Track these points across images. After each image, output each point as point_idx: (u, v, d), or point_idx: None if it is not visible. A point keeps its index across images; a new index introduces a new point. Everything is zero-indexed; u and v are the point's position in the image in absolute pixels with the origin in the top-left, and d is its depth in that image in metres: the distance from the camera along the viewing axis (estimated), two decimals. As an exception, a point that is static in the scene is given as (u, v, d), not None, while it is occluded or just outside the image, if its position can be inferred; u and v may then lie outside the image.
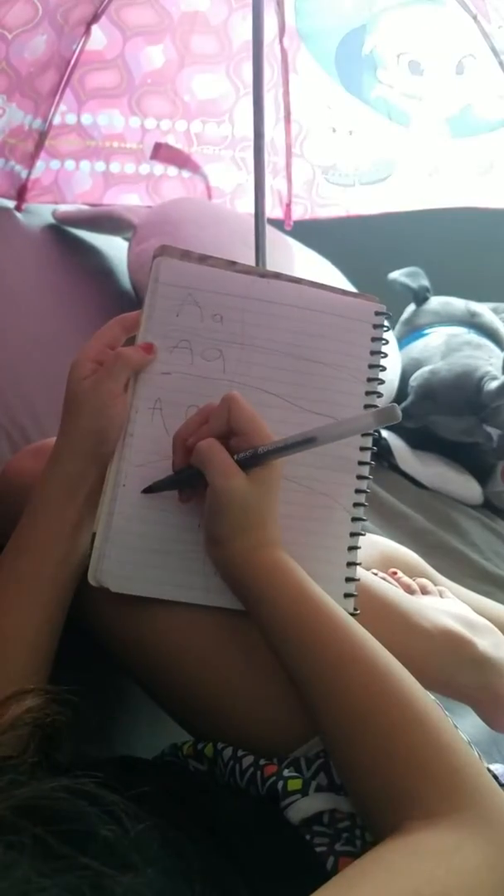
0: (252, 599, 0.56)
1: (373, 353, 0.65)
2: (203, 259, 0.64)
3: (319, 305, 0.65)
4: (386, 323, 0.66)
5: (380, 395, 0.65)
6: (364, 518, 0.64)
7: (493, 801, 0.46)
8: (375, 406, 0.64)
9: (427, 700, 0.50)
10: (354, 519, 0.64)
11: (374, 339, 0.65)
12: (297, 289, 0.65)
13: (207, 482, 0.56)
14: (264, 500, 0.57)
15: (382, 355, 0.66)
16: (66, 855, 0.34)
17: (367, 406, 0.64)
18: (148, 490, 0.61)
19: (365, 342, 0.65)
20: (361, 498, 0.64)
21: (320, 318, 0.64)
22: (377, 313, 0.66)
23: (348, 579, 0.63)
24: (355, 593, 0.63)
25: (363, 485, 0.64)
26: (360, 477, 0.64)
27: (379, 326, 0.66)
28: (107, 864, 0.35)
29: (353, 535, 0.64)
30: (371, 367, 0.65)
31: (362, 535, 0.64)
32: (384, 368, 0.66)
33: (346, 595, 0.62)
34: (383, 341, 0.66)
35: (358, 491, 0.64)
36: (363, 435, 0.64)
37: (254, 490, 0.56)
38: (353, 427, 0.55)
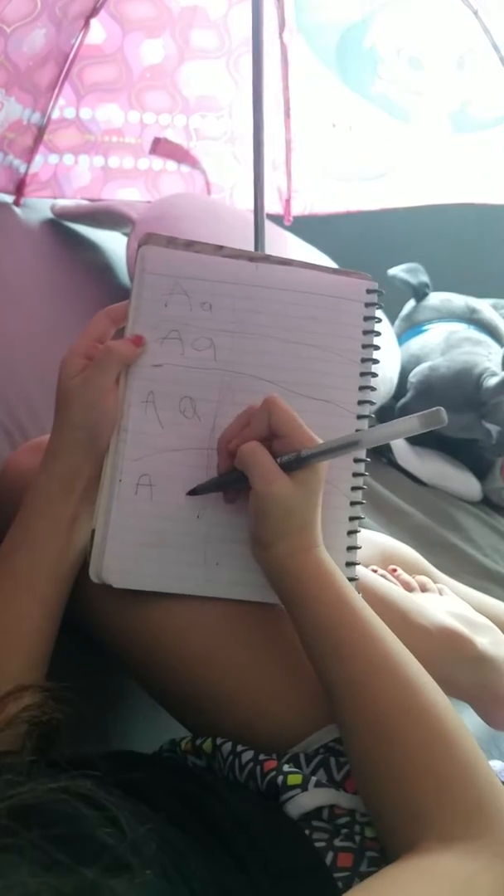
0: (292, 601, 0.56)
1: (366, 332, 0.64)
2: (189, 245, 0.62)
3: (310, 286, 0.63)
4: (378, 300, 0.65)
5: (374, 375, 0.64)
6: (363, 501, 0.64)
7: None
8: (371, 388, 0.64)
9: (455, 719, 0.50)
10: (353, 503, 0.63)
11: (366, 319, 0.64)
12: (286, 271, 0.63)
13: (251, 485, 0.56)
14: (308, 503, 0.56)
15: (376, 334, 0.64)
16: (62, 861, 0.34)
17: (362, 388, 0.64)
18: (193, 492, 0.61)
19: (357, 322, 0.64)
20: (359, 482, 0.63)
21: (311, 299, 0.63)
22: (369, 291, 0.64)
23: (349, 564, 0.63)
24: (357, 577, 0.63)
25: (360, 468, 0.63)
26: (357, 460, 0.63)
27: (371, 305, 0.64)
28: (104, 868, 0.34)
29: (353, 519, 0.63)
30: (365, 347, 0.64)
31: (361, 518, 0.64)
32: (378, 347, 0.64)
33: (348, 580, 0.62)
34: (376, 320, 0.65)
35: (356, 475, 0.63)
36: (358, 417, 0.63)
37: (297, 493, 0.55)
38: (398, 430, 0.54)
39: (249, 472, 0.56)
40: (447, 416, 0.52)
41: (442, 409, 0.50)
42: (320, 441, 0.56)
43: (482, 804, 0.46)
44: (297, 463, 0.56)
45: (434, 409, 0.50)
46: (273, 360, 0.63)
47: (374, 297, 0.64)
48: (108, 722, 0.74)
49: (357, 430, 0.63)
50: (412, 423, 0.51)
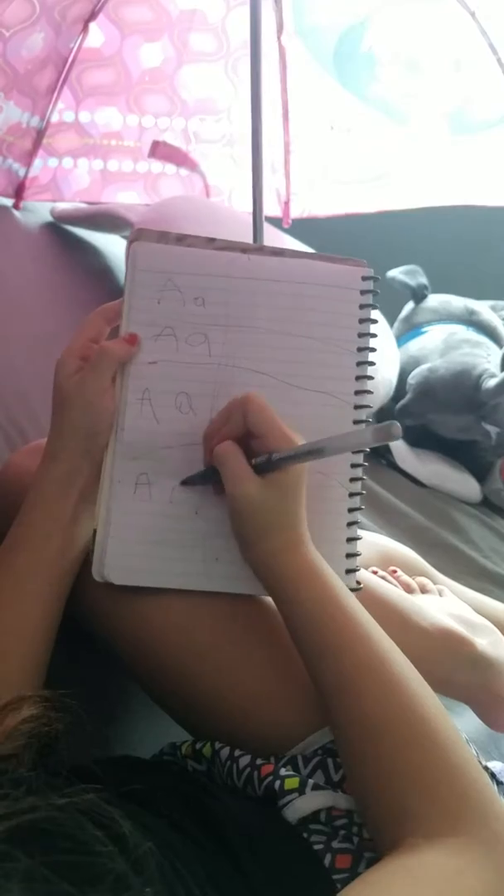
0: (279, 600, 0.57)
1: (361, 320, 0.63)
2: (181, 239, 0.62)
3: (303, 276, 0.63)
4: (374, 287, 0.64)
5: (371, 363, 0.63)
6: (362, 492, 0.63)
7: (498, 826, 0.46)
8: (368, 377, 0.63)
9: (442, 718, 0.50)
10: (352, 494, 0.63)
11: (362, 307, 0.63)
12: (279, 262, 0.63)
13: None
14: (282, 505, 0.56)
15: (372, 321, 0.64)
16: (63, 890, 0.33)
17: (359, 377, 0.63)
18: (185, 482, 0.61)
19: (353, 311, 0.63)
20: (358, 472, 0.63)
21: (304, 289, 0.63)
22: (364, 278, 0.63)
23: (349, 555, 0.63)
24: (357, 568, 0.63)
25: (359, 459, 0.63)
26: (356, 452, 0.63)
27: (367, 292, 0.63)
28: (105, 891, 0.34)
29: (352, 510, 0.63)
30: (361, 335, 0.63)
31: (360, 509, 0.63)
32: (375, 335, 0.64)
33: (348, 571, 0.62)
34: (372, 306, 0.64)
35: (354, 466, 0.63)
36: (356, 407, 0.63)
37: (268, 495, 0.55)
38: (353, 442, 0.54)
39: (222, 473, 0.56)
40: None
41: (396, 423, 0.49)
42: (297, 439, 0.56)
43: (467, 801, 0.46)
44: (267, 466, 0.56)
45: (388, 422, 0.49)
46: (268, 353, 0.62)
47: (369, 284, 0.64)
48: (108, 724, 0.74)
49: (354, 422, 0.63)
50: (365, 436, 0.51)
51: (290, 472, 0.56)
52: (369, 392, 0.64)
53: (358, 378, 0.63)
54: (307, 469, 0.58)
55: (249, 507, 0.55)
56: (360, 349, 0.63)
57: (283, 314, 0.63)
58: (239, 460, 0.56)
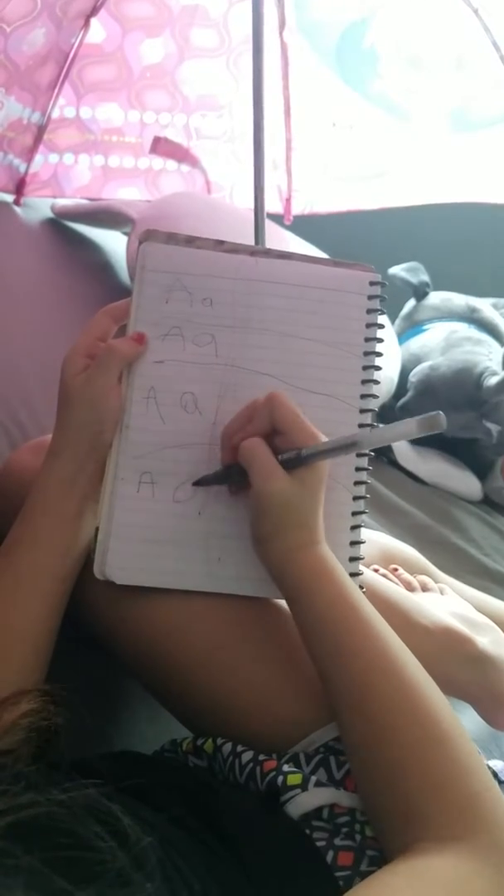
0: (292, 598, 0.57)
1: (368, 325, 0.64)
2: (190, 241, 0.62)
3: (311, 280, 0.63)
4: (381, 293, 0.64)
5: (378, 368, 0.64)
6: (366, 496, 0.63)
7: None
8: (374, 381, 0.63)
9: (452, 720, 0.50)
10: (356, 497, 0.63)
11: (369, 311, 0.64)
12: (287, 265, 0.63)
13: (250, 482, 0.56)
14: (307, 501, 0.56)
15: (379, 326, 0.64)
16: (62, 887, 0.33)
17: (364, 381, 0.63)
18: (198, 483, 0.61)
19: (360, 315, 0.64)
20: (362, 476, 0.63)
21: (312, 293, 0.63)
22: (372, 283, 0.64)
23: (352, 559, 0.63)
24: (360, 572, 0.63)
25: (363, 462, 0.63)
26: (359, 455, 0.63)
27: (374, 297, 0.64)
28: (105, 886, 0.34)
29: (356, 513, 0.63)
30: (367, 340, 0.64)
31: (365, 512, 0.63)
32: (381, 340, 0.64)
33: (351, 574, 0.62)
34: (379, 312, 0.64)
35: (358, 469, 0.63)
36: (361, 411, 0.63)
37: (296, 491, 0.56)
38: (396, 433, 0.54)
39: (249, 469, 0.56)
40: (446, 416, 0.51)
41: (441, 413, 0.50)
42: (323, 438, 0.56)
43: (476, 805, 0.46)
44: (296, 461, 0.56)
45: (433, 413, 0.49)
46: (274, 355, 0.63)
47: (376, 290, 0.64)
48: (109, 721, 0.74)
49: (360, 426, 0.63)
50: (410, 427, 0.51)
51: (315, 469, 0.56)
52: (375, 396, 0.64)
53: (364, 382, 0.63)
54: None
55: (276, 502, 0.55)
56: (366, 353, 0.64)
57: (290, 317, 0.63)
58: (268, 456, 0.56)
